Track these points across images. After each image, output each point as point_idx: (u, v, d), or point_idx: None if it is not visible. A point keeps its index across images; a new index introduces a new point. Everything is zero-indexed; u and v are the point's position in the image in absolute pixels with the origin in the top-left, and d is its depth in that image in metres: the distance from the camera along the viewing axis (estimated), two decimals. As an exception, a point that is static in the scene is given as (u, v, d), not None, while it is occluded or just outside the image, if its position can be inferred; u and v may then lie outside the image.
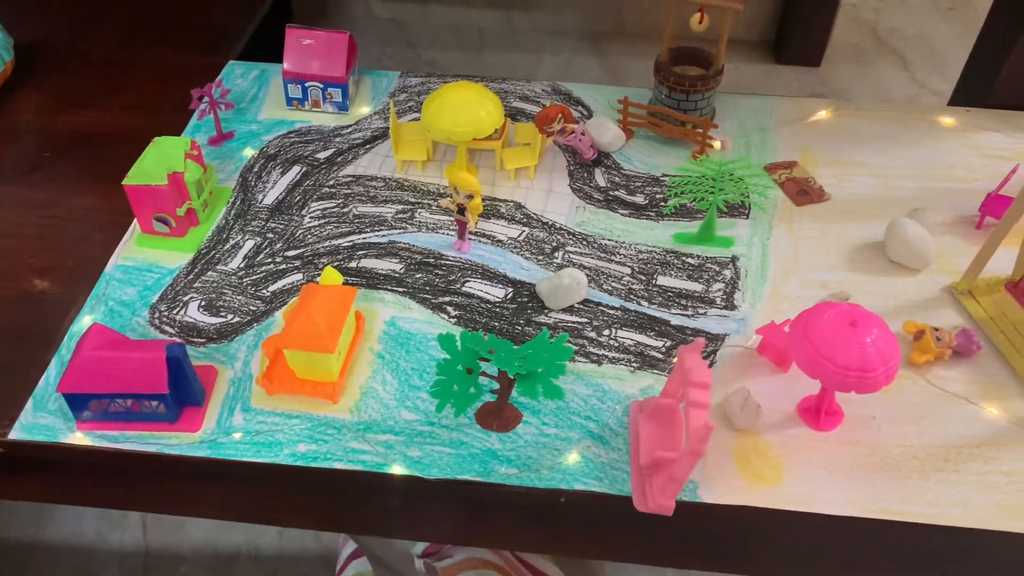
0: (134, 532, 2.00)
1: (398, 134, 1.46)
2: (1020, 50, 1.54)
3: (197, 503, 1.15)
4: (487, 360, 1.02)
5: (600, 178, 1.46)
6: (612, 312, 1.24)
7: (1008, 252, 1.24)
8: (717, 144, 1.49)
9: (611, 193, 1.43)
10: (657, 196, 1.42)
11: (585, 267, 1.30)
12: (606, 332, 1.21)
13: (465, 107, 1.33)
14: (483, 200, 1.39)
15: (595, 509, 1.04)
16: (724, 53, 1.48)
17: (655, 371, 1.17)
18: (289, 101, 1.54)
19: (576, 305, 1.25)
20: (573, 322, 1.23)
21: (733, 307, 1.25)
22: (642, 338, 1.21)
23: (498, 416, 1.10)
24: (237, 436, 1.08)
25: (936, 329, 1.18)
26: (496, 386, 1.08)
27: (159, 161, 1.27)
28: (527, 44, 3.24)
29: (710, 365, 1.18)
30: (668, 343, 1.21)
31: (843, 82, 3.09)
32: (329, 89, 1.52)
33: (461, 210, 1.27)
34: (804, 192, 1.43)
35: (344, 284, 1.20)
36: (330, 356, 1.07)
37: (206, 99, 1.45)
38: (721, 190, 1.28)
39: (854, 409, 1.13)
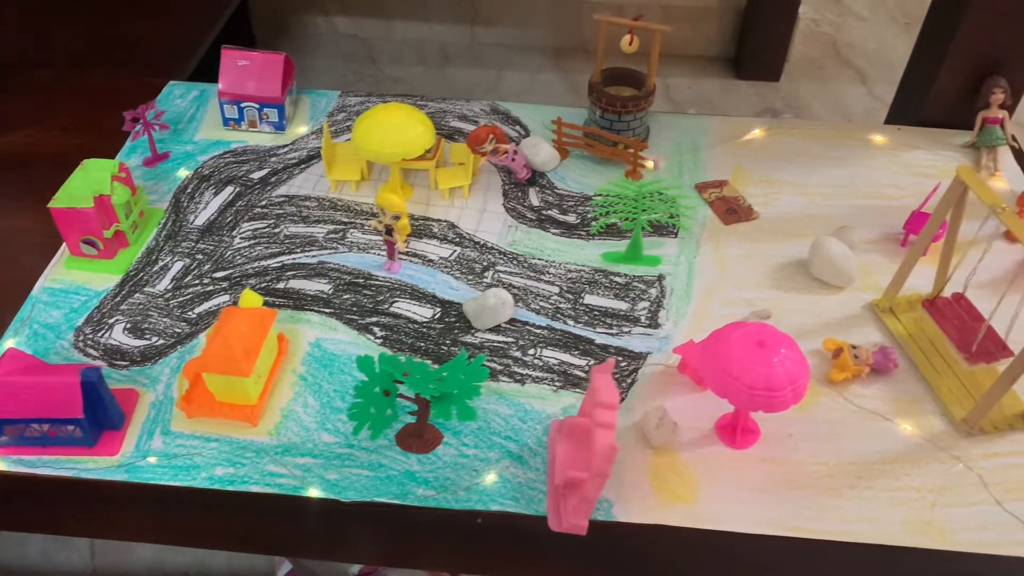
0: (82, 553, 1.99)
1: (332, 154, 1.47)
2: (947, 70, 1.57)
3: (116, 526, 1.15)
4: (402, 382, 1.03)
5: (534, 197, 1.47)
6: (538, 331, 1.25)
7: (933, 270, 1.26)
8: (650, 164, 1.51)
9: (544, 212, 1.44)
10: (588, 216, 1.43)
11: (514, 287, 1.32)
12: (531, 351, 1.22)
13: (394, 128, 1.34)
14: (416, 220, 1.40)
15: (511, 529, 1.05)
16: (655, 74, 1.50)
17: (577, 390, 1.18)
18: (226, 122, 1.55)
19: (503, 325, 1.26)
20: (499, 342, 1.24)
21: (657, 325, 1.27)
22: (566, 357, 1.22)
23: (418, 438, 1.11)
24: (154, 460, 1.08)
25: (854, 347, 1.19)
26: (415, 408, 1.08)
27: (86, 184, 1.27)
28: (490, 60, 3.26)
29: (631, 384, 1.19)
30: (592, 362, 1.22)
31: (802, 97, 3.13)
32: (265, 109, 1.52)
33: (389, 231, 1.28)
34: (733, 211, 1.44)
35: (266, 306, 1.20)
36: (247, 379, 1.08)
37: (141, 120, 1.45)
38: (645, 211, 1.30)
39: (771, 426, 1.14)
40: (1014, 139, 1.57)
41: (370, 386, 1.06)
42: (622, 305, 1.30)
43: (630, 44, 1.46)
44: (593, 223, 1.39)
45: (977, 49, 1.53)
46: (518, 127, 1.60)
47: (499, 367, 1.20)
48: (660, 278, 1.34)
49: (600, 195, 1.44)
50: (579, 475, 0.99)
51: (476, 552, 1.05)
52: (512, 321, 1.26)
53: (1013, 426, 1.15)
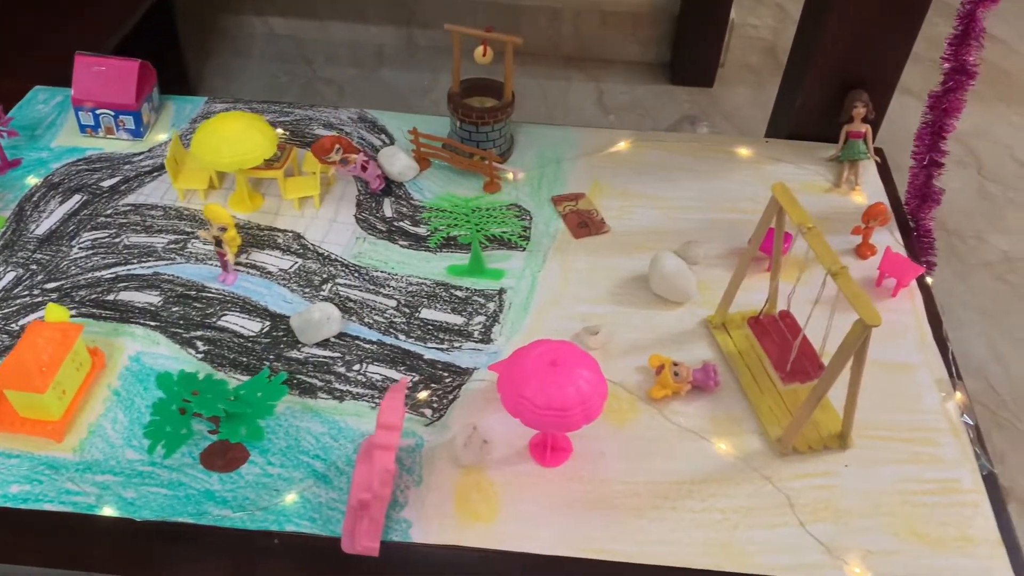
0: None
1: (181, 162, 1.45)
2: (811, 84, 1.56)
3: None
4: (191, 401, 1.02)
5: (388, 208, 1.46)
6: (368, 346, 1.24)
7: (785, 286, 1.25)
8: (510, 175, 1.50)
9: (395, 224, 1.43)
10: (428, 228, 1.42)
11: (351, 300, 1.30)
12: (356, 367, 1.21)
13: (231, 137, 1.33)
14: (262, 230, 1.39)
15: (306, 551, 1.04)
16: (511, 86, 1.49)
17: (397, 407, 1.17)
18: (82, 128, 1.53)
19: (332, 339, 1.25)
20: (325, 357, 1.23)
21: (489, 340, 1.26)
22: (392, 373, 1.21)
23: (223, 456, 1.10)
24: (-52, 477, 1.06)
25: (676, 364, 1.19)
26: (213, 427, 1.07)
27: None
28: (425, 62, 3.24)
29: (452, 400, 1.18)
30: (416, 378, 1.21)
31: (734, 102, 3.12)
32: (121, 116, 1.51)
33: (218, 243, 1.27)
34: (584, 224, 1.44)
35: (89, 318, 1.19)
36: (44, 396, 1.06)
37: (-10, 126, 1.43)
38: (480, 225, 1.29)
39: (585, 444, 1.14)
40: (878, 153, 1.57)
41: (167, 404, 1.05)
42: (458, 319, 1.29)
43: (483, 55, 1.45)
44: (431, 237, 1.38)
45: (838, 64, 1.52)
46: (383, 136, 1.59)
47: (319, 383, 1.19)
48: (501, 292, 1.33)
49: (431, 208, 1.42)
50: (364, 496, 0.98)
51: (271, 572, 1.04)
52: (342, 335, 1.25)
53: (828, 446, 1.15)
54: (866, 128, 1.53)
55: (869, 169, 1.56)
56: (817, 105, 1.58)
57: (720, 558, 1.04)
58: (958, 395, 1.22)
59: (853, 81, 1.53)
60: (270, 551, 1.04)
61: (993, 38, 3.14)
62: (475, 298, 1.32)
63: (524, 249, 1.40)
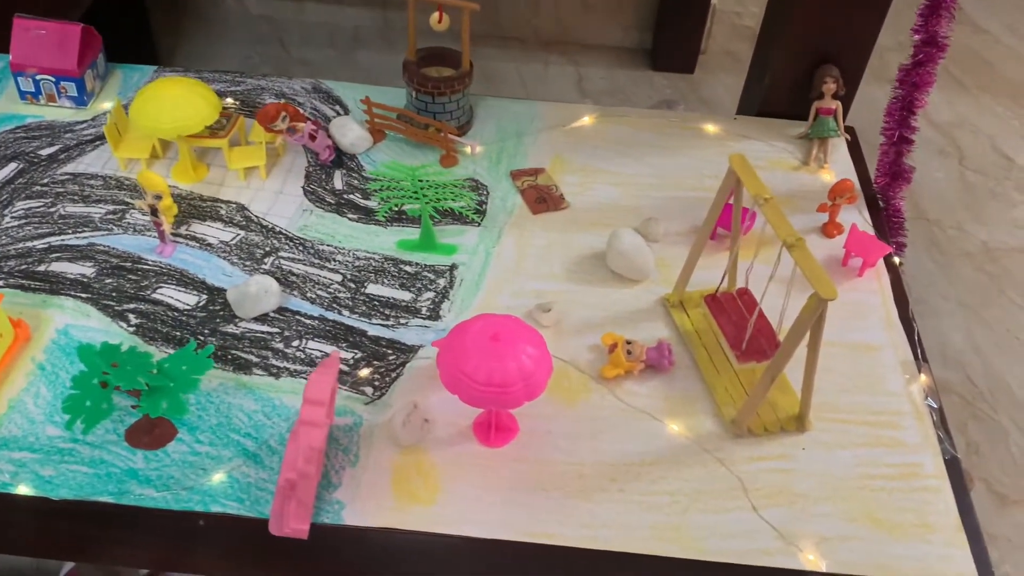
0: None
1: (124, 131, 1.39)
2: (781, 57, 1.51)
3: None
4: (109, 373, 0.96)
5: (338, 180, 1.40)
6: (308, 322, 1.19)
7: (744, 264, 1.19)
8: (467, 149, 1.45)
9: (345, 197, 1.37)
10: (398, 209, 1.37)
11: (294, 274, 1.25)
12: (295, 343, 1.16)
13: (170, 103, 1.27)
14: (204, 201, 1.33)
15: (233, 533, 0.99)
16: (468, 54, 1.43)
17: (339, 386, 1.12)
18: (22, 95, 1.47)
19: (272, 314, 1.19)
20: (262, 332, 1.17)
21: (438, 317, 1.21)
22: (333, 349, 1.16)
23: (148, 433, 1.04)
24: None
25: (628, 342, 1.14)
26: (136, 401, 1.02)
27: None
28: (402, 44, 3.19)
29: (395, 378, 1.13)
30: (359, 355, 1.15)
31: (714, 89, 3.07)
32: (63, 83, 1.44)
33: (154, 211, 1.21)
34: (542, 200, 1.39)
35: (18, 290, 1.13)
36: (-44, 368, 1.00)
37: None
38: (429, 197, 1.24)
39: (531, 424, 1.09)
40: (848, 132, 1.52)
41: (88, 377, 0.99)
42: (405, 295, 1.23)
43: (439, 22, 1.40)
44: (379, 208, 1.32)
45: (808, 38, 1.47)
46: (338, 107, 1.53)
47: (255, 359, 1.14)
48: (452, 268, 1.28)
49: (378, 178, 1.37)
50: (290, 475, 0.93)
51: (196, 553, 0.99)
52: (282, 310, 1.20)
53: (785, 428, 1.10)
54: (836, 105, 1.48)
55: (839, 148, 1.51)
56: (787, 81, 1.53)
57: (669, 543, 0.99)
58: (923, 377, 1.17)
59: (823, 56, 1.49)
60: (195, 532, 0.99)
61: (977, 28, 3.10)
62: (425, 274, 1.26)
63: (479, 224, 1.34)
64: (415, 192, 1.23)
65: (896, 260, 1.32)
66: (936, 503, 1.04)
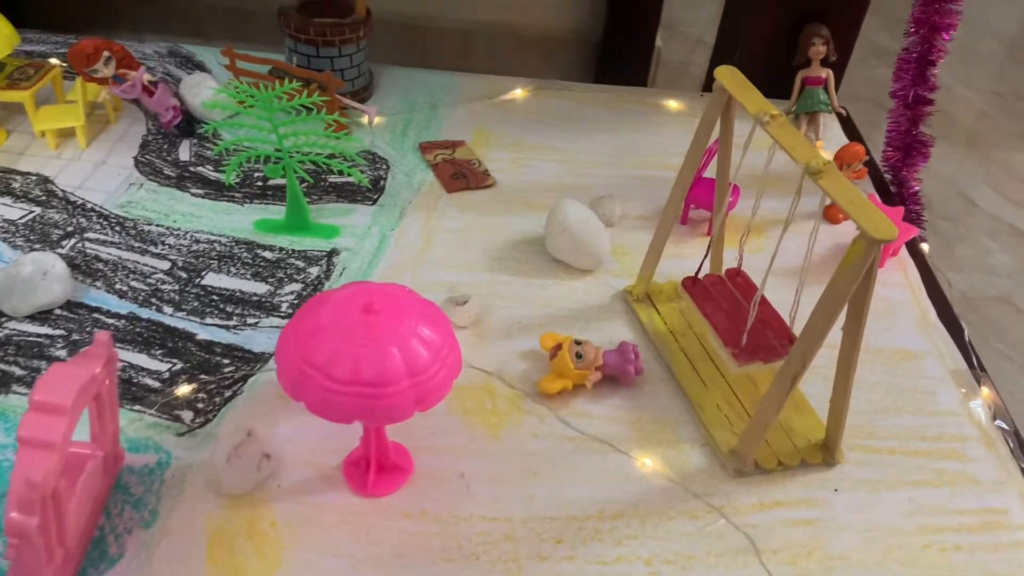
0: None
1: None
2: (757, 14, 1.23)
3: None
4: None
5: (185, 151, 1.05)
6: (111, 321, 0.82)
7: (731, 254, 0.87)
8: (364, 119, 1.12)
9: (191, 169, 1.02)
10: (256, 174, 1.02)
11: (101, 260, 0.88)
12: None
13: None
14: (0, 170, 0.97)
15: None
16: (364, 0, 1.12)
17: (140, 407, 0.74)
18: None
19: (58, 310, 0.82)
20: (39, 335, 0.79)
21: (305, 316, 0.84)
22: (141, 359, 0.79)
23: None
24: None
25: (578, 343, 0.79)
26: None
27: None
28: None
29: (231, 397, 0.76)
30: (176, 366, 0.78)
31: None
32: None
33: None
34: (460, 175, 1.05)
35: None
36: None
37: None
38: (296, 148, 0.88)
39: (433, 461, 0.72)
40: (843, 108, 1.23)
41: None
42: (259, 288, 0.87)
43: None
44: (225, 167, 0.96)
45: (788, -11, 1.20)
46: (204, 74, 1.19)
47: (19, 372, 0.76)
48: (331, 253, 0.92)
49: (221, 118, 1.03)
50: (14, 540, 0.54)
51: None
52: (73, 306, 0.82)
53: (808, 461, 0.75)
54: (827, 73, 1.19)
55: (832, 125, 1.22)
56: (765, 45, 1.24)
57: (645, 642, 0.62)
58: (984, 391, 0.84)
59: (809, 12, 1.20)
60: None
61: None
62: (291, 261, 0.91)
63: (374, 203, 1.00)
64: (276, 147, 0.88)
65: (924, 247, 1.01)
66: (1038, 567, 0.70)
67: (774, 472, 0.74)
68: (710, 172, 0.91)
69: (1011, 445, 0.79)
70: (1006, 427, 0.81)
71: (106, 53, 0.99)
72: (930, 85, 1.06)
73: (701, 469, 0.74)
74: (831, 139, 1.19)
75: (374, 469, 0.69)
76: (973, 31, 3.09)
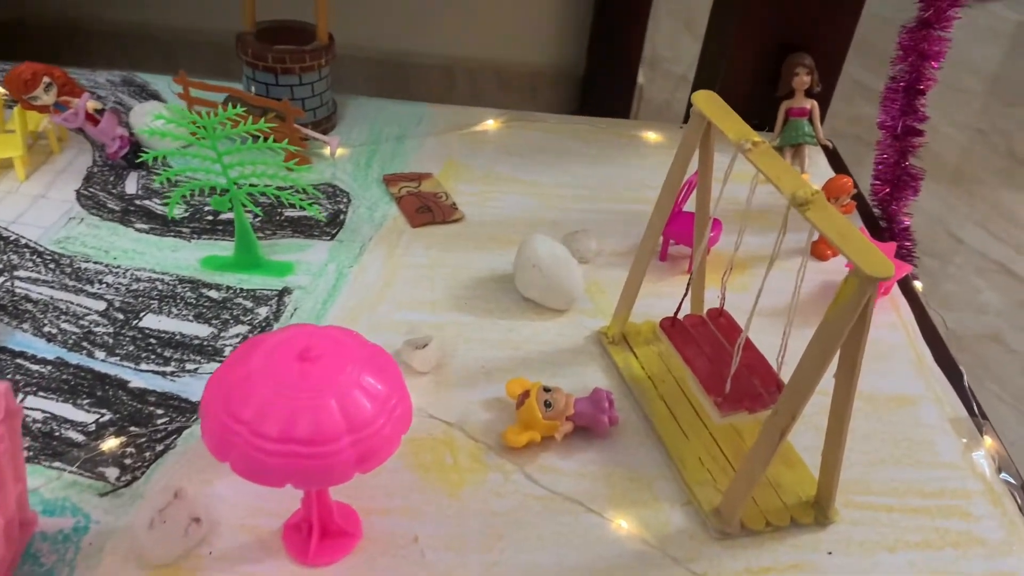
0: None
1: None
2: (739, 44, 1.18)
3: None
4: None
5: (132, 183, 0.98)
6: (35, 367, 0.74)
7: (712, 293, 0.82)
8: (326, 150, 1.06)
9: (137, 203, 0.95)
10: (206, 207, 0.95)
11: (30, 300, 0.81)
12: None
13: None
14: (-81, 205, 0.90)
15: None
16: (326, 24, 1.06)
17: (60, 463, 0.67)
18: None
19: (-24, 356, 0.75)
20: (-48, 383, 0.72)
21: (250, 361, 0.77)
22: (66, 409, 0.71)
23: None
24: None
25: (547, 390, 0.72)
26: None
27: None
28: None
29: (163, 451, 0.69)
30: (105, 417, 0.71)
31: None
32: None
33: None
34: (426, 209, 0.99)
35: None
36: None
37: None
38: (243, 175, 0.82)
39: (383, 525, 0.65)
40: (828, 141, 1.18)
41: None
42: (202, 330, 0.80)
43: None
44: (168, 200, 0.90)
45: (772, 17, 1.15)
46: (156, 103, 1.13)
47: (-77, 423, 0.68)
48: (283, 292, 0.85)
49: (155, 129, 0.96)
50: None
51: None
52: (-6, 350, 0.75)
53: (798, 520, 0.68)
54: (811, 104, 1.14)
55: (818, 159, 1.17)
56: (745, 76, 1.20)
57: None
58: (987, 440, 0.78)
59: (793, 42, 1.16)
60: None
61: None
62: (238, 301, 0.84)
63: (332, 238, 0.93)
64: (221, 174, 0.82)
65: (917, 285, 0.96)
66: (1055, 640, 0.63)
67: (762, 534, 0.67)
68: (690, 206, 0.86)
69: (1019, 501, 0.73)
70: (1012, 481, 0.75)
71: (46, 79, 0.92)
72: (919, 115, 1.01)
73: (682, 531, 0.67)
74: (817, 173, 1.14)
75: (316, 534, 0.62)
76: (954, 68, 3.10)
